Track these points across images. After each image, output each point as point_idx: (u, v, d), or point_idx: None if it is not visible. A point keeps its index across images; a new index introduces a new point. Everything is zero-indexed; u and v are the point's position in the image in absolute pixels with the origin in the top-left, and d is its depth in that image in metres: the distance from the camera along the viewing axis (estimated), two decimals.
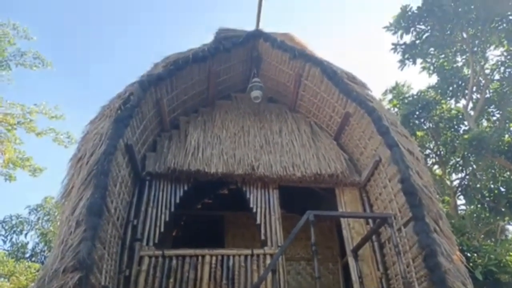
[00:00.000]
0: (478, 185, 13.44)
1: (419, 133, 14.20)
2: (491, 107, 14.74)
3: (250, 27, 7.52)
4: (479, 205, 13.13)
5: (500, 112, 14.46)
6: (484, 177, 13.67)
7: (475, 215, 13.96)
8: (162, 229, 5.51)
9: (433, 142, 14.46)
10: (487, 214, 13.04)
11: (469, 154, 12.34)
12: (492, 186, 13.19)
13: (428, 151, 14.51)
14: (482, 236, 13.44)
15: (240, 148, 6.50)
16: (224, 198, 8.57)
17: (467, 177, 13.74)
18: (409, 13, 13.70)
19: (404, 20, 13.81)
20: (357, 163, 6.81)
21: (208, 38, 7.31)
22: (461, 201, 13.91)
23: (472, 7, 13.28)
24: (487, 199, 12.78)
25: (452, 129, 14.02)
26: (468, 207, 14.09)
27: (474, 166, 13.40)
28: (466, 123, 13.95)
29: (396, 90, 15.73)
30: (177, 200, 5.80)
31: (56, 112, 15.40)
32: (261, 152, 6.51)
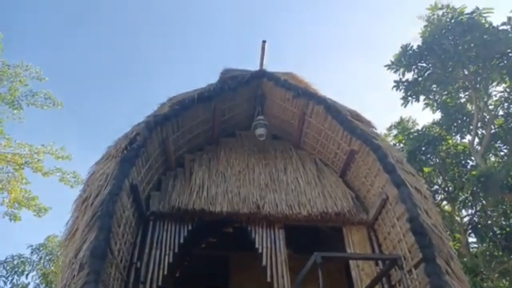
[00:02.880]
0: (489, 222, 13.15)
1: (426, 169, 14.09)
2: (498, 142, 14.69)
3: (254, 66, 7.73)
4: (491, 243, 12.76)
5: (507, 147, 14.39)
6: (494, 214, 13.39)
7: (487, 253, 13.53)
8: (165, 272, 5.38)
9: (441, 178, 14.31)
10: (500, 253, 12.64)
11: (478, 190, 12.16)
12: (503, 222, 12.88)
13: (436, 187, 14.33)
14: (496, 275, 12.94)
15: (245, 186, 6.47)
16: (229, 236, 8.41)
17: (477, 213, 13.46)
18: (410, 51, 14.05)
19: (405, 59, 14.13)
20: (364, 201, 6.71)
21: (213, 78, 7.50)
22: (472, 238, 13.56)
23: (472, 45, 13.60)
24: (499, 236, 12.43)
25: (460, 165, 13.91)
26: (480, 245, 13.69)
27: (484, 202, 13.16)
28: (473, 158, 13.87)
29: (401, 126, 15.81)
30: (181, 241, 5.70)
31: (63, 153, 15.64)
32: (266, 190, 6.46)
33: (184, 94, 6.58)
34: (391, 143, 14.83)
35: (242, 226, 6.20)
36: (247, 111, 7.92)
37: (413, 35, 15.35)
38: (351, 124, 6.61)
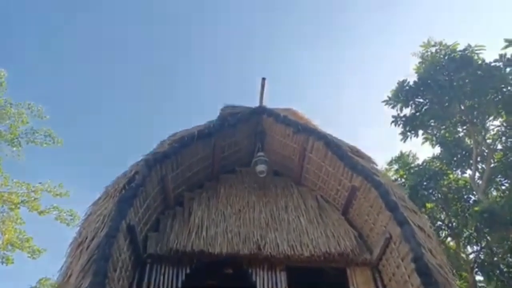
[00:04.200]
0: (495, 259, 12.81)
1: (428, 205, 13.91)
2: (498, 176, 14.61)
3: (254, 103, 7.79)
4: (498, 282, 12.36)
5: (508, 182, 14.29)
6: (500, 250, 13.07)
7: None
8: None
9: (444, 213, 14.10)
10: None
11: (482, 227, 11.94)
12: (510, 259, 12.55)
13: (439, 223, 14.09)
14: None
15: (245, 225, 6.31)
16: (229, 279, 8.11)
17: (483, 250, 13.14)
18: (407, 87, 14.27)
19: (402, 94, 14.33)
20: (367, 239, 6.53)
21: (213, 114, 7.54)
22: (479, 276, 13.15)
23: (467, 81, 13.85)
24: (506, 275, 12.07)
25: (462, 200, 13.76)
26: (487, 284, 13.26)
27: (489, 239, 12.89)
28: (474, 193, 13.74)
29: (402, 160, 15.79)
30: (179, 285, 5.48)
31: (61, 190, 15.45)
32: (267, 230, 6.30)
33: (184, 131, 6.57)
34: (392, 178, 14.75)
35: (243, 268, 5.99)
36: (247, 148, 7.89)
37: (409, 71, 15.61)
38: (351, 160, 6.56)
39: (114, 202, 4.60)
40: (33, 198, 14.73)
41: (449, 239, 14.34)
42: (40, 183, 15.20)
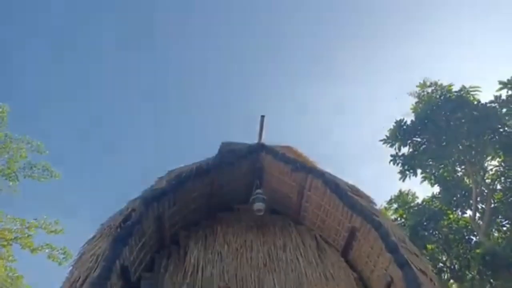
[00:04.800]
0: None
1: (429, 246, 13.67)
2: (499, 217, 14.47)
3: (252, 139, 7.83)
4: None
5: (509, 222, 14.14)
6: None
7: None
8: None
9: (445, 255, 13.83)
10: None
11: (485, 269, 11.66)
12: None
13: (440, 265, 13.77)
14: None
15: (242, 266, 6.13)
16: None
17: None
18: (404, 126, 14.47)
19: (400, 133, 14.51)
20: (367, 282, 6.34)
21: (212, 151, 7.56)
22: None
23: (463, 121, 14.07)
24: None
25: (463, 241, 13.55)
26: None
27: (492, 281, 12.55)
28: (476, 233, 13.55)
29: (401, 199, 15.71)
30: None
31: (56, 227, 15.17)
32: (264, 271, 6.12)
33: (182, 168, 6.55)
34: (392, 217, 14.59)
35: None
36: (245, 185, 7.84)
37: (405, 111, 15.93)
38: (350, 199, 6.51)
39: (108, 241, 4.49)
40: (26, 235, 14.41)
41: (451, 281, 13.96)
42: (35, 219, 14.96)
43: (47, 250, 14.92)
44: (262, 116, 7.96)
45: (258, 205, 7.13)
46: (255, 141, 7.80)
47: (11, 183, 15.70)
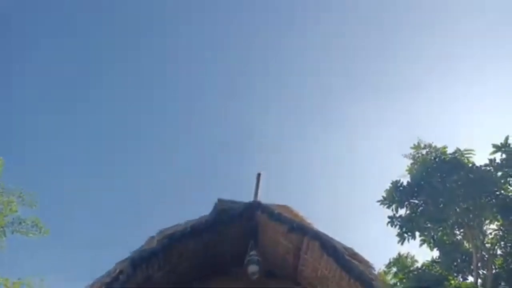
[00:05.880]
0: None
1: None
2: (502, 284, 13.96)
3: (249, 195, 7.70)
4: None
5: None
6: None
7: None
8: None
9: None
10: None
11: None
12: None
13: None
14: None
15: None
16: None
17: None
18: (401, 188, 14.45)
19: (396, 195, 14.45)
20: None
21: (206, 209, 7.41)
22: None
23: (459, 183, 14.09)
24: None
25: None
26: None
27: None
28: None
29: (400, 263, 15.26)
30: None
31: (41, 285, 14.44)
32: None
33: (175, 227, 6.36)
34: (391, 282, 14.04)
35: None
36: (239, 245, 7.58)
37: (401, 172, 16.03)
38: (348, 263, 6.26)
39: None
40: None
41: None
42: (19, 278, 14.26)
43: None
44: (259, 174, 7.93)
45: (253, 268, 6.85)
46: (251, 198, 7.68)
47: None
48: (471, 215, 14.20)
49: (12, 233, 15.41)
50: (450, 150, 15.17)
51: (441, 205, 14.22)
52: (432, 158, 15.23)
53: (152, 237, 5.95)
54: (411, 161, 15.79)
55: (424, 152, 15.76)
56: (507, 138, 13.91)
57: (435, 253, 15.04)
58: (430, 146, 15.82)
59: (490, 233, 14.67)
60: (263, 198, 7.76)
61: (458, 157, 14.82)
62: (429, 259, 14.98)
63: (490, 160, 14.22)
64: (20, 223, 15.48)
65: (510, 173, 13.86)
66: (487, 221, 14.49)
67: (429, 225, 14.60)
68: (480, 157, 17.30)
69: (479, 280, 13.84)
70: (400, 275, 14.60)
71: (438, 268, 14.40)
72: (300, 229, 7.00)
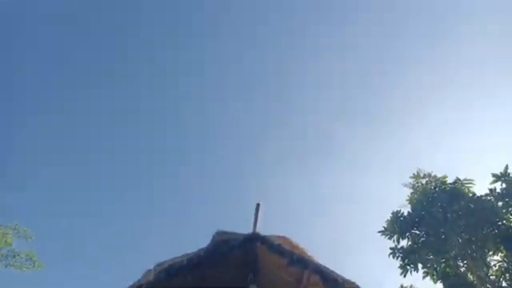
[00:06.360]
0: None
1: None
2: None
3: (247, 227, 7.54)
4: None
5: None
6: None
7: None
8: None
9: None
10: None
11: None
12: None
13: None
14: None
15: None
16: None
17: None
18: (401, 218, 14.24)
19: (397, 225, 14.21)
20: None
21: (205, 240, 7.25)
22: None
23: (460, 213, 13.91)
24: None
25: None
26: None
27: None
28: None
29: None
30: None
31: None
32: None
33: (172, 260, 6.21)
34: None
35: None
36: (239, 277, 7.37)
37: (401, 202, 15.87)
38: None
39: None
40: None
41: None
42: None
43: None
44: (257, 204, 7.81)
45: None
46: (250, 229, 7.53)
47: None
48: (473, 246, 13.93)
49: (6, 267, 15.04)
50: (450, 180, 15.10)
51: (443, 236, 13.98)
52: (432, 187, 15.13)
53: (149, 270, 5.80)
54: (411, 190, 15.68)
55: (423, 181, 15.67)
56: (506, 168, 13.85)
57: (439, 286, 14.63)
58: (429, 175, 15.75)
59: (494, 265, 14.33)
60: (262, 229, 7.62)
61: (458, 186, 14.72)
62: None
63: (491, 189, 14.11)
64: (14, 256, 15.14)
65: (511, 203, 13.72)
66: (490, 252, 14.20)
67: (431, 256, 14.28)
68: (480, 187, 17.25)
69: None
70: None
71: None
72: (300, 262, 6.83)
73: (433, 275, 14.60)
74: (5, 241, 15.14)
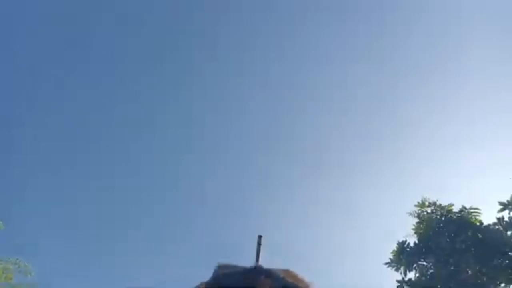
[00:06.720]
0: None
1: None
2: None
3: (251, 260, 7.18)
4: None
5: None
6: None
7: None
8: None
9: None
10: None
11: None
12: None
13: None
14: None
15: None
16: None
17: None
18: (407, 248, 13.77)
19: (403, 256, 13.73)
20: None
21: (205, 273, 6.85)
22: None
23: (469, 243, 13.45)
24: None
25: None
26: None
27: None
28: None
29: None
30: None
31: None
32: None
33: None
34: None
35: None
36: None
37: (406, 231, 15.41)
38: None
39: None
40: None
41: None
42: None
43: None
44: (260, 236, 7.47)
45: None
46: (253, 262, 7.18)
47: None
48: (484, 278, 13.40)
49: None
50: (455, 209, 14.74)
51: (452, 267, 13.48)
52: (438, 216, 14.73)
53: None
54: (416, 219, 15.27)
55: (429, 210, 15.29)
56: None
57: None
58: (435, 204, 15.39)
59: None
60: (264, 262, 7.26)
61: (465, 215, 14.35)
62: None
63: (498, 218, 13.75)
64: None
65: None
66: (502, 285, 13.65)
67: None
68: (487, 215, 16.80)
69: None
70: None
71: None
72: None
73: None
74: (6, 277, 14.63)
